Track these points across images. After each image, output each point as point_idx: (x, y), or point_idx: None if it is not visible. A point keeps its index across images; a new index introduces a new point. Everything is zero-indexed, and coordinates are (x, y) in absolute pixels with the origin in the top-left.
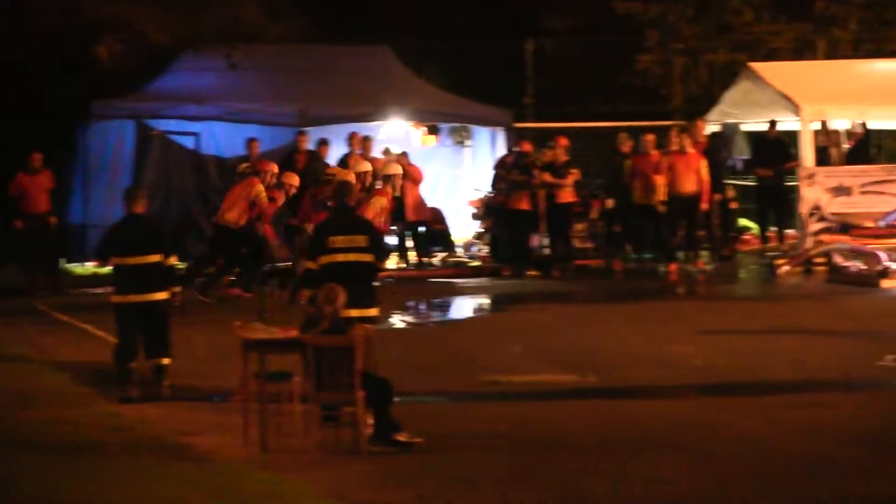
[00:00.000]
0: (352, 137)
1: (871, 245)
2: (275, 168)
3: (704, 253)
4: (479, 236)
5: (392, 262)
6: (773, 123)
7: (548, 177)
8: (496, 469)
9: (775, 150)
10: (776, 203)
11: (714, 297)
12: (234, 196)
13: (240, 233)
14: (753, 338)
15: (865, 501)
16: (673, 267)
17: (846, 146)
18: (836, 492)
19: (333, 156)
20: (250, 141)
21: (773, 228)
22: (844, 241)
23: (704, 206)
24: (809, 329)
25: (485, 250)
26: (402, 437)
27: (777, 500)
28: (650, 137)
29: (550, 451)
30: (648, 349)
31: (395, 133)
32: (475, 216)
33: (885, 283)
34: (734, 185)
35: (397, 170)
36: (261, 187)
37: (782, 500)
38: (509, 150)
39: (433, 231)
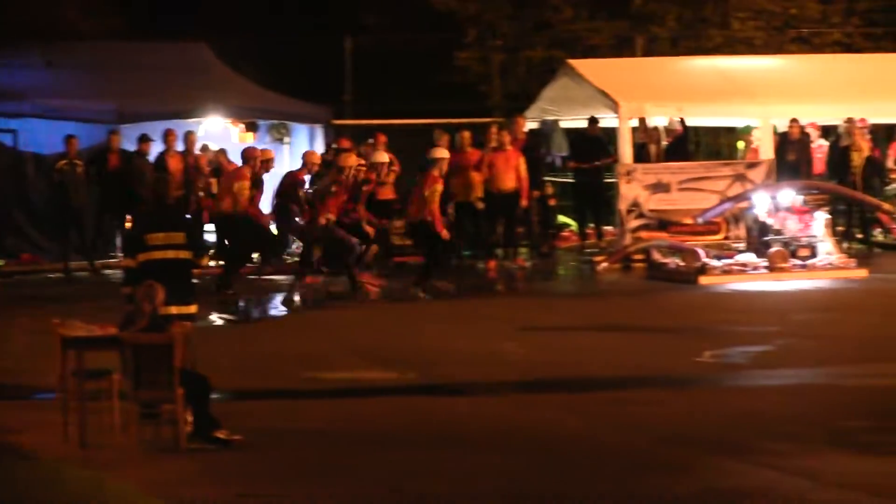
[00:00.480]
0: (167, 134)
1: (690, 242)
2: (261, 154)
3: (523, 250)
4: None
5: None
6: (593, 120)
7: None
8: (315, 466)
9: (594, 146)
10: (594, 200)
11: (534, 294)
12: (225, 186)
13: (236, 220)
14: (574, 334)
15: (684, 498)
16: (492, 264)
17: (665, 143)
18: (656, 488)
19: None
20: (68, 138)
21: (592, 225)
22: (663, 237)
23: (524, 202)
24: (629, 326)
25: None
26: (221, 435)
27: (598, 495)
28: (466, 134)
29: (370, 447)
30: (469, 346)
31: (213, 130)
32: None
33: (704, 280)
34: (553, 181)
35: (384, 158)
36: (245, 181)
37: (603, 496)
38: (328, 147)
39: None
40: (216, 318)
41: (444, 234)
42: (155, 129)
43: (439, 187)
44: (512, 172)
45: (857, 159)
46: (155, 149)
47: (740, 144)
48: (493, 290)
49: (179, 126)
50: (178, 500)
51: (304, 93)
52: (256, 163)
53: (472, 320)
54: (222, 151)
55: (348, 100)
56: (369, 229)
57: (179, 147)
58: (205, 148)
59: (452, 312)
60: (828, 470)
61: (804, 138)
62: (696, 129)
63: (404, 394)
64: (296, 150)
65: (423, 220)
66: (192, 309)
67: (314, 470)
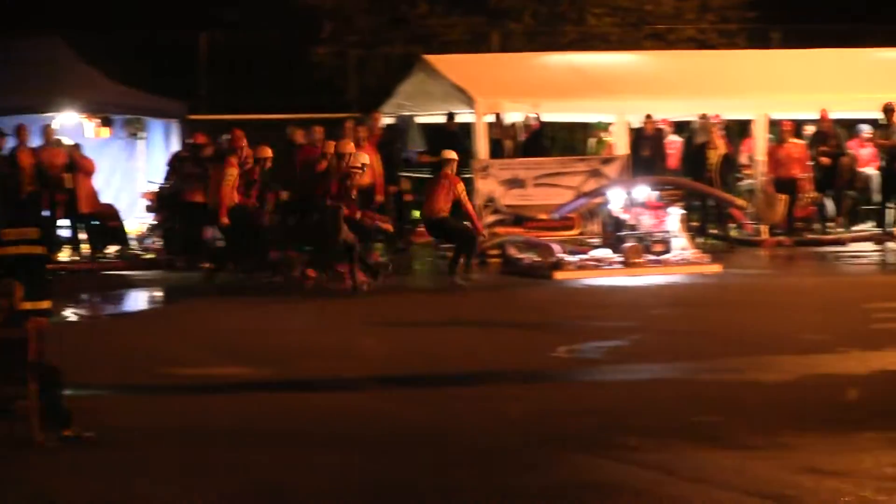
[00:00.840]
0: (20, 129)
1: (545, 237)
2: (258, 152)
3: (379, 245)
4: (152, 229)
5: (65, 255)
6: (451, 116)
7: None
8: (171, 462)
9: (452, 142)
10: None
11: (390, 290)
12: (215, 180)
13: (233, 213)
14: (431, 329)
15: (538, 492)
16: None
17: (520, 138)
18: (511, 483)
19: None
20: None
21: None
22: (518, 233)
23: (379, 198)
24: (485, 321)
25: (159, 243)
26: (74, 432)
27: (454, 491)
28: (319, 130)
29: (225, 443)
30: (326, 341)
31: (67, 124)
32: (149, 209)
33: (559, 275)
34: (409, 177)
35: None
36: (233, 169)
37: (460, 490)
38: (183, 142)
39: (107, 228)
40: (70, 314)
41: (480, 226)
42: (7, 124)
43: (461, 186)
44: (367, 168)
45: (714, 157)
46: (9, 143)
47: (592, 140)
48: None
49: (32, 121)
50: (38, 499)
51: (160, 88)
52: (242, 153)
53: (330, 315)
54: (76, 147)
55: (204, 95)
56: None
57: (34, 142)
58: (58, 143)
59: (310, 307)
60: (681, 464)
61: (658, 134)
62: (551, 124)
63: (260, 389)
64: (151, 145)
65: (439, 217)
66: (46, 304)
67: (170, 467)
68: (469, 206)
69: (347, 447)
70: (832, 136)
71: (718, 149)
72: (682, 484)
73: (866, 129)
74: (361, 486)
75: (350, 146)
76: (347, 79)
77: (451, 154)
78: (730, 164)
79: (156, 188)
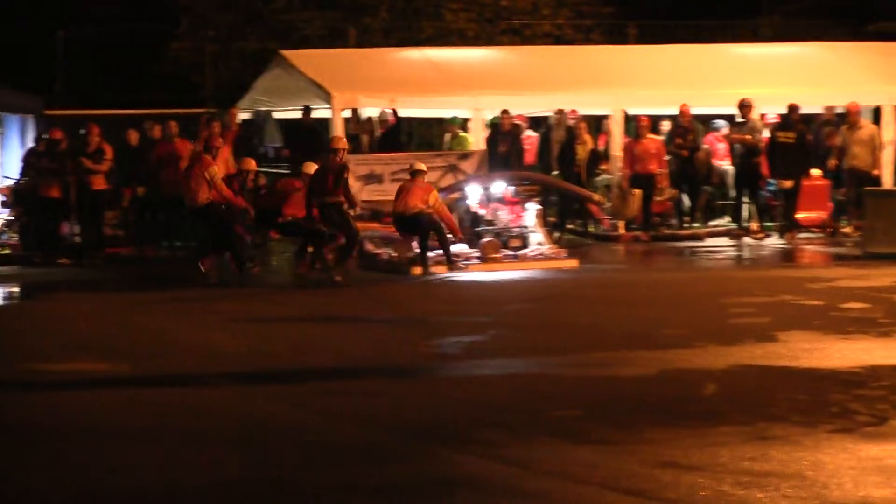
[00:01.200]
0: None
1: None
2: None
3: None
4: (8, 224)
5: None
6: (307, 110)
7: (88, 163)
8: (18, 460)
9: (310, 137)
10: None
11: (250, 285)
12: (195, 178)
13: (210, 211)
14: (292, 325)
15: (394, 486)
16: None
17: (377, 134)
18: (378, 478)
19: None
20: None
21: None
22: (375, 228)
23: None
24: (346, 316)
25: (15, 238)
26: None
27: (320, 487)
28: (173, 124)
29: (80, 441)
30: (185, 337)
31: None
32: (5, 204)
33: (416, 270)
34: (266, 172)
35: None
36: (214, 166)
37: (327, 487)
38: (39, 137)
39: None
40: None
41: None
42: None
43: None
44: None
45: (582, 152)
46: None
47: (447, 136)
48: (209, 281)
49: None
50: None
51: (15, 83)
52: (215, 151)
53: (189, 312)
54: None
55: (60, 90)
56: None
57: None
58: None
59: (168, 304)
60: (538, 458)
61: (515, 129)
62: (408, 119)
63: (118, 385)
64: (7, 140)
65: (415, 212)
66: None
67: (16, 464)
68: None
69: (209, 444)
70: (690, 130)
71: (587, 144)
72: (542, 479)
73: (722, 125)
74: (227, 485)
75: (344, 142)
76: (204, 74)
77: (420, 165)
78: (597, 159)
79: (11, 183)
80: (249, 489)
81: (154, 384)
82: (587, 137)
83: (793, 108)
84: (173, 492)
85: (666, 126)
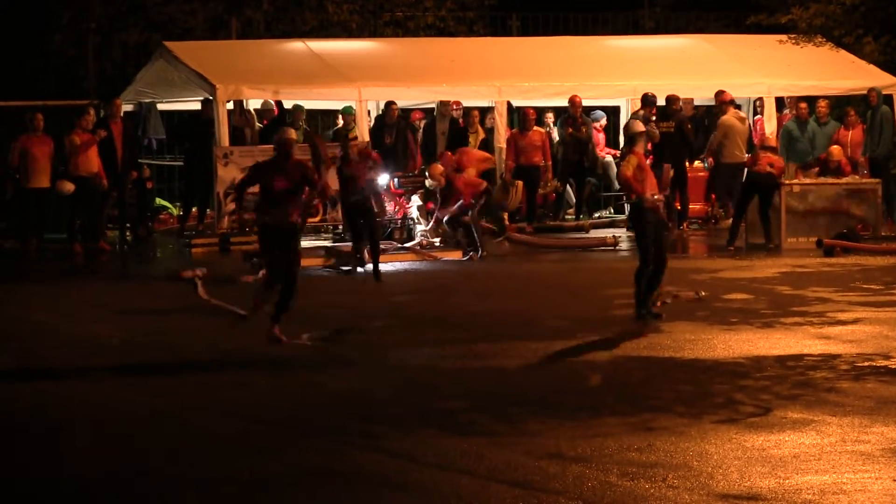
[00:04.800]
0: None
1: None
2: None
3: (112, 234)
4: None
5: None
6: (207, 103)
7: None
8: None
9: (204, 129)
10: (201, 182)
11: (130, 278)
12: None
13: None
14: (171, 317)
15: (281, 477)
16: (78, 248)
17: (259, 126)
18: (252, 470)
19: None
20: None
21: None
22: None
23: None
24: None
25: None
26: None
27: (192, 480)
28: (40, 116)
29: None
30: (65, 329)
31: None
32: None
33: (302, 263)
34: (150, 164)
35: None
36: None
37: (199, 479)
38: None
39: None
40: None
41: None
42: None
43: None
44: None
45: (474, 141)
46: None
47: (340, 123)
48: (89, 272)
49: None
50: None
51: None
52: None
53: (69, 304)
54: None
55: None
56: None
57: None
58: None
59: (48, 296)
60: (426, 451)
61: (401, 121)
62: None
63: None
64: None
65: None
66: None
67: None
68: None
69: (79, 438)
70: (581, 123)
71: (479, 133)
72: (428, 471)
73: (601, 116)
74: (95, 478)
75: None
76: (87, 66)
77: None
78: (487, 148)
79: None
80: (117, 482)
81: (29, 377)
82: (479, 127)
83: (671, 99)
84: (35, 489)
85: (551, 118)
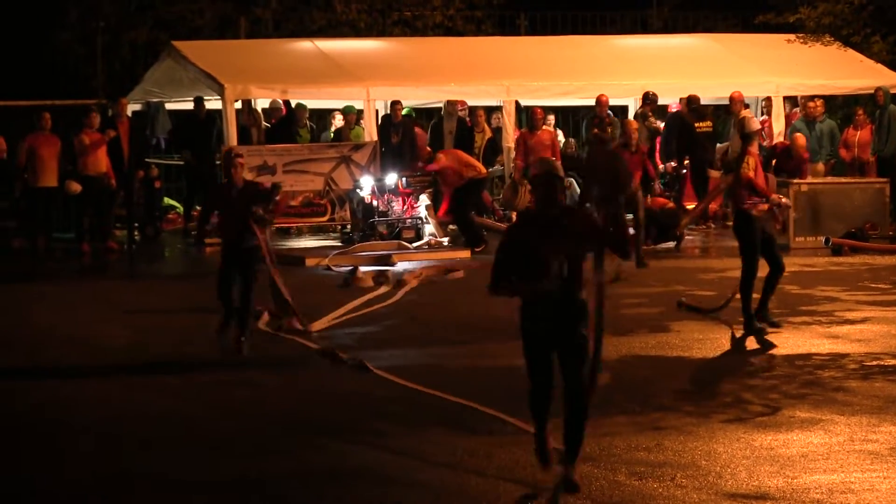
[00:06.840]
0: None
1: (296, 223)
2: None
3: (119, 234)
4: None
5: None
6: (199, 102)
7: None
8: None
9: (205, 129)
10: (204, 183)
11: (139, 277)
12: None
13: None
14: (179, 317)
15: (290, 477)
16: (87, 247)
17: (264, 125)
18: (260, 469)
19: None
20: None
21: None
22: None
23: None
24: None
25: None
26: None
27: (200, 481)
28: (47, 116)
29: None
30: (72, 330)
31: None
32: None
33: (310, 262)
34: (158, 164)
35: None
36: None
37: (206, 481)
38: None
39: None
40: None
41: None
42: None
43: None
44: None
45: (481, 140)
46: None
47: (337, 123)
48: (96, 273)
49: None
50: None
51: None
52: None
53: (76, 303)
54: None
55: None
56: None
57: None
58: None
59: (55, 296)
60: (433, 450)
61: (407, 120)
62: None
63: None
64: None
65: None
66: None
67: None
68: None
69: (83, 438)
70: (609, 123)
71: (485, 133)
72: (435, 470)
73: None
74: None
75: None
76: (95, 65)
77: None
78: (494, 147)
79: None
80: (124, 482)
81: (36, 376)
82: (486, 126)
83: (693, 99)
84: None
85: (552, 120)
